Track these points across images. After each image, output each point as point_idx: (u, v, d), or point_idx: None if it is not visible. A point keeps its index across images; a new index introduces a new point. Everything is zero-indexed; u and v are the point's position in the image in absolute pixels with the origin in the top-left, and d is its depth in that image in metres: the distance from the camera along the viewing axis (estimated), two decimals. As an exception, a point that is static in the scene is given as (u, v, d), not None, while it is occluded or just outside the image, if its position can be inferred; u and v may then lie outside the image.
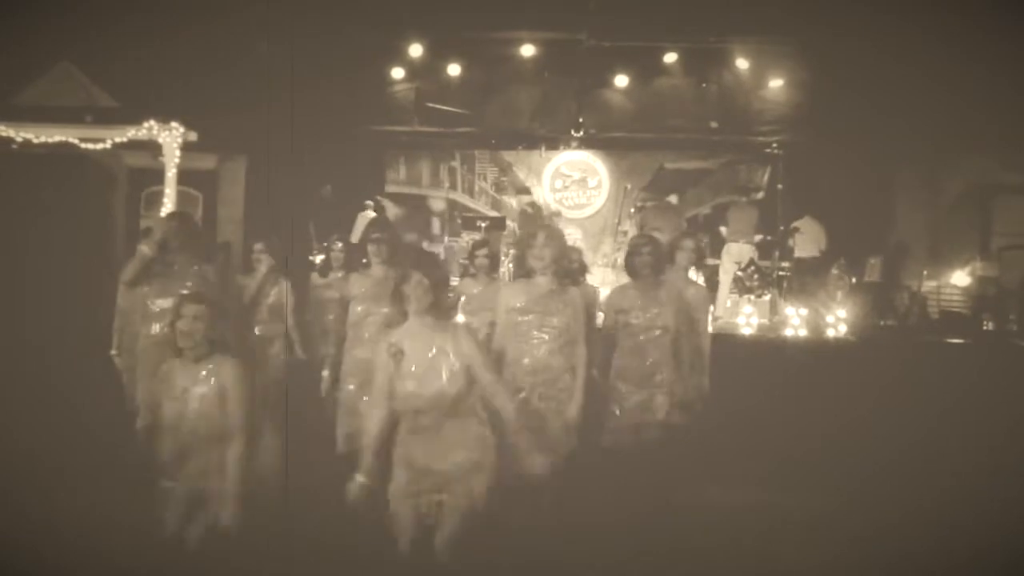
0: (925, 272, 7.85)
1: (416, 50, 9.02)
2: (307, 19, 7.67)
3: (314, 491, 3.49)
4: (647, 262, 3.98)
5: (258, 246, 5.06)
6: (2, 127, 7.82)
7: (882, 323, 7.33)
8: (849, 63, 8.07)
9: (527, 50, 9.07)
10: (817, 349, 6.33)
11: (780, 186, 9.47)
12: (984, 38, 7.05)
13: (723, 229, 8.41)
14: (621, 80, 9.29)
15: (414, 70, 9.28)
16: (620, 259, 8.53)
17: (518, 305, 3.72)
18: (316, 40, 8.02)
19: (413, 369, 2.97)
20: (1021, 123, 7.35)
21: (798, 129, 9.10)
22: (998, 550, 3.41)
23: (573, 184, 10.04)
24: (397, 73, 9.28)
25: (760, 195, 9.72)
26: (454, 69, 9.21)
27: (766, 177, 9.73)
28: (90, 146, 7.97)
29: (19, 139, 7.83)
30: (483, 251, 5.11)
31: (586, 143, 9.70)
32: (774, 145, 9.43)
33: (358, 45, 8.62)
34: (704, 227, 9.30)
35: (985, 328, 7.12)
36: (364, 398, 4.05)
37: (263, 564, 3.36)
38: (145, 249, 4.02)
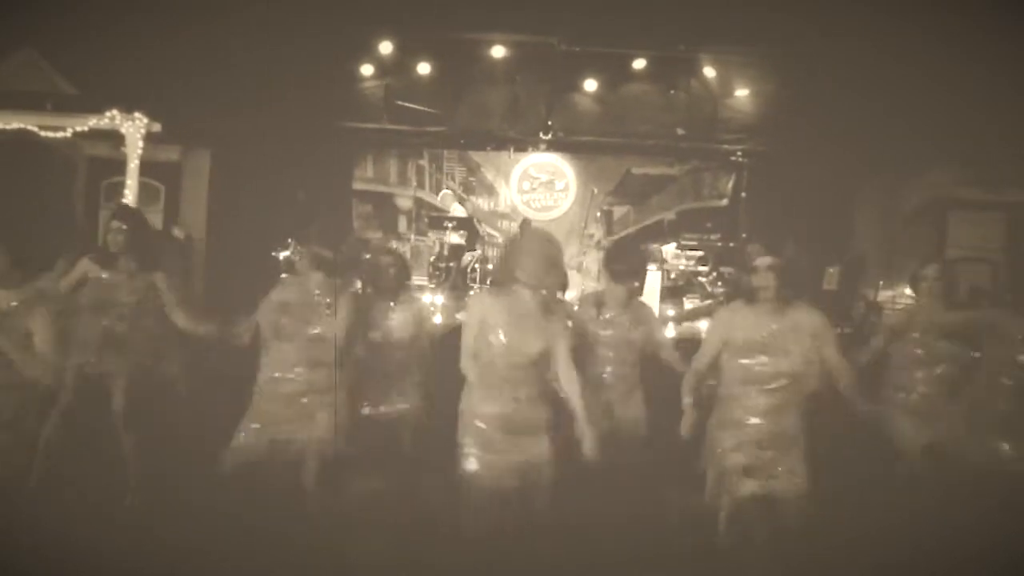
0: (881, 282, 8.04)
1: (387, 47, 9.00)
2: (277, 13, 7.59)
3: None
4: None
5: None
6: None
7: (839, 331, 7.48)
8: (815, 73, 8.24)
9: (498, 52, 9.10)
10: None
11: (744, 194, 9.65)
12: (954, 53, 7.25)
13: None
14: (591, 85, 9.38)
15: (384, 67, 9.25)
16: (586, 262, 8.63)
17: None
18: (286, 34, 7.94)
19: None
20: (977, 139, 7.58)
21: (763, 138, 9.28)
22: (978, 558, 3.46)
23: (540, 186, 10.09)
24: (367, 70, 9.24)
25: (724, 202, 9.88)
26: (424, 68, 9.20)
27: (730, 185, 9.89)
28: (50, 134, 7.79)
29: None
30: None
31: (554, 146, 9.75)
32: (739, 153, 9.60)
33: (328, 41, 8.56)
34: (668, 233, 9.43)
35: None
36: None
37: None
38: None
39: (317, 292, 3.85)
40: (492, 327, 3.29)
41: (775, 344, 3.43)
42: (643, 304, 4.48)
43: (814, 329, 3.46)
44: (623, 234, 10.00)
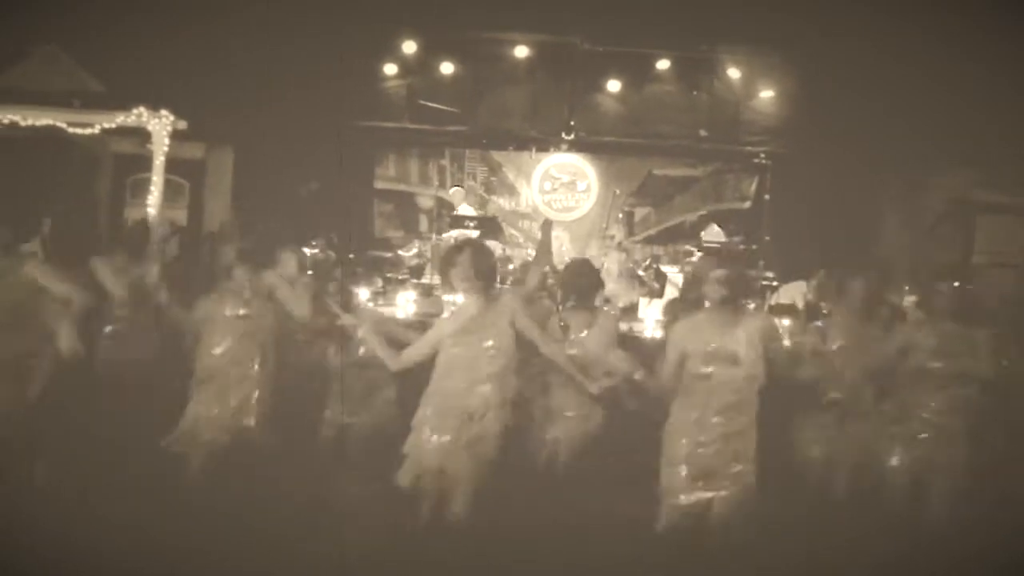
0: (907, 287, 7.94)
1: (409, 47, 9.03)
2: (302, 13, 7.64)
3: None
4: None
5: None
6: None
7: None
8: (838, 76, 8.17)
9: (521, 51, 9.10)
10: (798, 360, 6.37)
11: (767, 196, 9.58)
12: (975, 55, 7.17)
13: None
14: (613, 85, 9.35)
15: (407, 67, 9.28)
16: (607, 263, 8.59)
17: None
18: (309, 33, 7.99)
19: None
20: (1004, 141, 7.48)
21: (786, 140, 9.21)
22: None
23: (562, 187, 10.07)
24: (390, 69, 9.27)
25: (747, 204, 9.81)
26: (447, 67, 9.22)
27: (753, 187, 9.81)
28: (78, 131, 7.88)
29: (5, 121, 7.73)
30: None
31: (576, 146, 9.73)
32: (762, 155, 9.52)
33: (351, 40, 8.60)
34: (691, 235, 9.38)
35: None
36: None
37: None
38: None
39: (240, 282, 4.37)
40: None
41: (729, 350, 3.61)
42: (607, 316, 4.47)
43: (764, 332, 3.69)
44: (643, 235, 9.96)
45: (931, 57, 7.42)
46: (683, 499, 3.58)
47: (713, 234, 8.21)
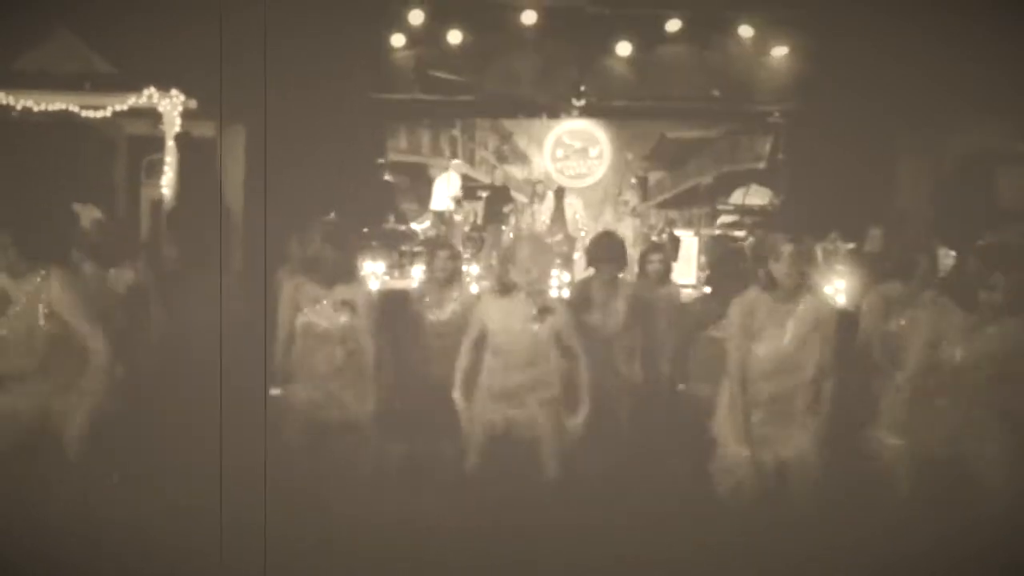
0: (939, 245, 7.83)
1: (416, 17, 8.96)
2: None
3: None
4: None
5: None
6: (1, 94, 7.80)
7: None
8: (853, 31, 8.00)
9: (528, 17, 8.99)
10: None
11: (781, 156, 9.45)
12: (992, 5, 6.99)
13: None
14: (623, 47, 9.24)
15: (414, 37, 9.22)
16: (621, 229, 8.54)
17: None
18: (317, 6, 7.94)
19: None
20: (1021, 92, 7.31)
21: (800, 98, 9.06)
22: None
23: (574, 154, 10.00)
24: (397, 40, 9.22)
25: (762, 165, 9.68)
26: (455, 36, 9.15)
27: (768, 147, 9.68)
28: (90, 114, 7.94)
29: (19, 107, 7.81)
30: None
31: (587, 112, 9.64)
32: (776, 114, 9.38)
33: (357, 10, 8.55)
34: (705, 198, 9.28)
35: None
36: None
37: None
38: None
39: None
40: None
41: (789, 330, 3.44)
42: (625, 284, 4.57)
43: (819, 318, 3.47)
44: (660, 199, 9.88)
45: (949, 6, 7.24)
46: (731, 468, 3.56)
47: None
